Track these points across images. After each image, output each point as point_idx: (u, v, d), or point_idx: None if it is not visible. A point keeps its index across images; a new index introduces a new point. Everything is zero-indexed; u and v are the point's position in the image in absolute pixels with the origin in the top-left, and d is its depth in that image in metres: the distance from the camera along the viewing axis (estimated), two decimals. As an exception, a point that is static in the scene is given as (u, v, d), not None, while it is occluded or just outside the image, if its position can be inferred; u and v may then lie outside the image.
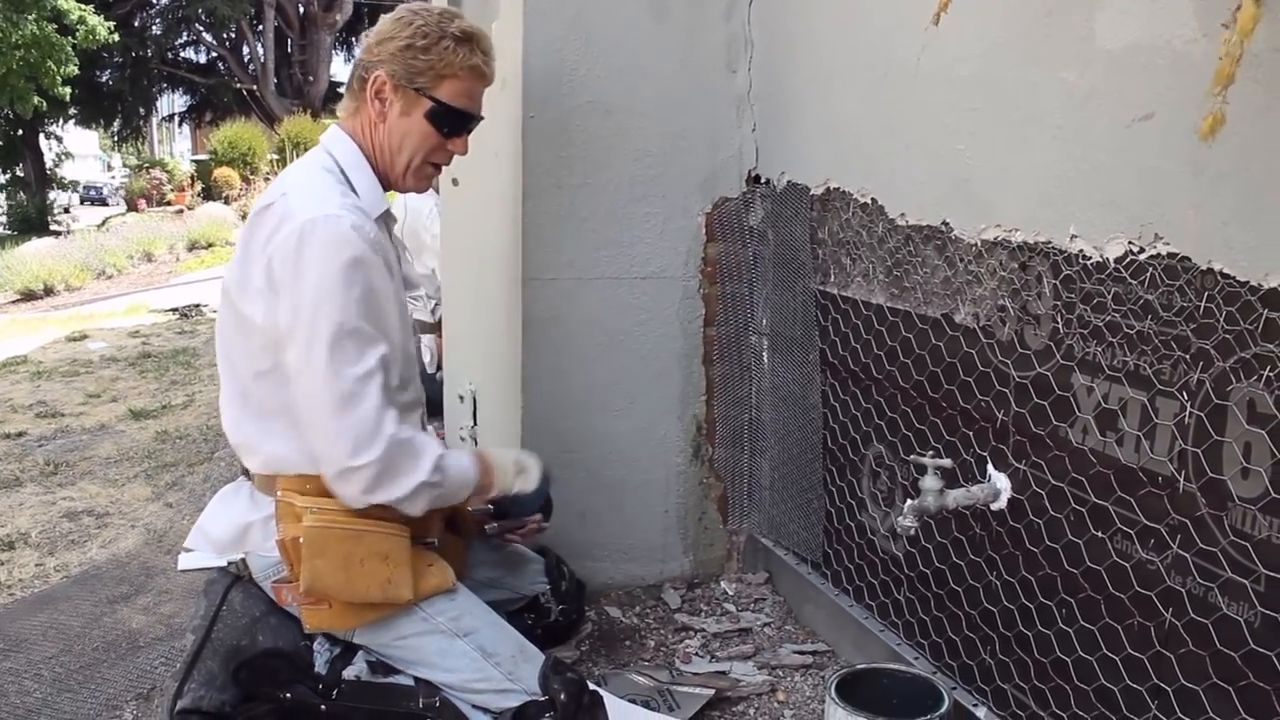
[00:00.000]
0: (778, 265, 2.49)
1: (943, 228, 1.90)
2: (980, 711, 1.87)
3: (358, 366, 1.75)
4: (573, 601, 2.32)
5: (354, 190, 1.88)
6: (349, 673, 1.93)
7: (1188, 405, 1.42)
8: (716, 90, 2.57)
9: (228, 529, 1.99)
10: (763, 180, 2.55)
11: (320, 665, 1.93)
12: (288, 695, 1.94)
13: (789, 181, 2.42)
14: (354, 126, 1.94)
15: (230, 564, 2.05)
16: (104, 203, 31.57)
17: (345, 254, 1.74)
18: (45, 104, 20.20)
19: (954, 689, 1.90)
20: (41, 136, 24.36)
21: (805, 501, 2.45)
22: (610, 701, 2.02)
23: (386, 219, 1.96)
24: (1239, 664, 1.36)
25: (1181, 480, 1.44)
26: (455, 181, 3.06)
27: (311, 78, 26.93)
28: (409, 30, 1.85)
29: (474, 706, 1.89)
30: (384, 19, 1.91)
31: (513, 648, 1.90)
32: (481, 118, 1.97)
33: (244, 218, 17.21)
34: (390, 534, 1.86)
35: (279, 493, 1.88)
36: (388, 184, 1.96)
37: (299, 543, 1.83)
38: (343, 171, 1.90)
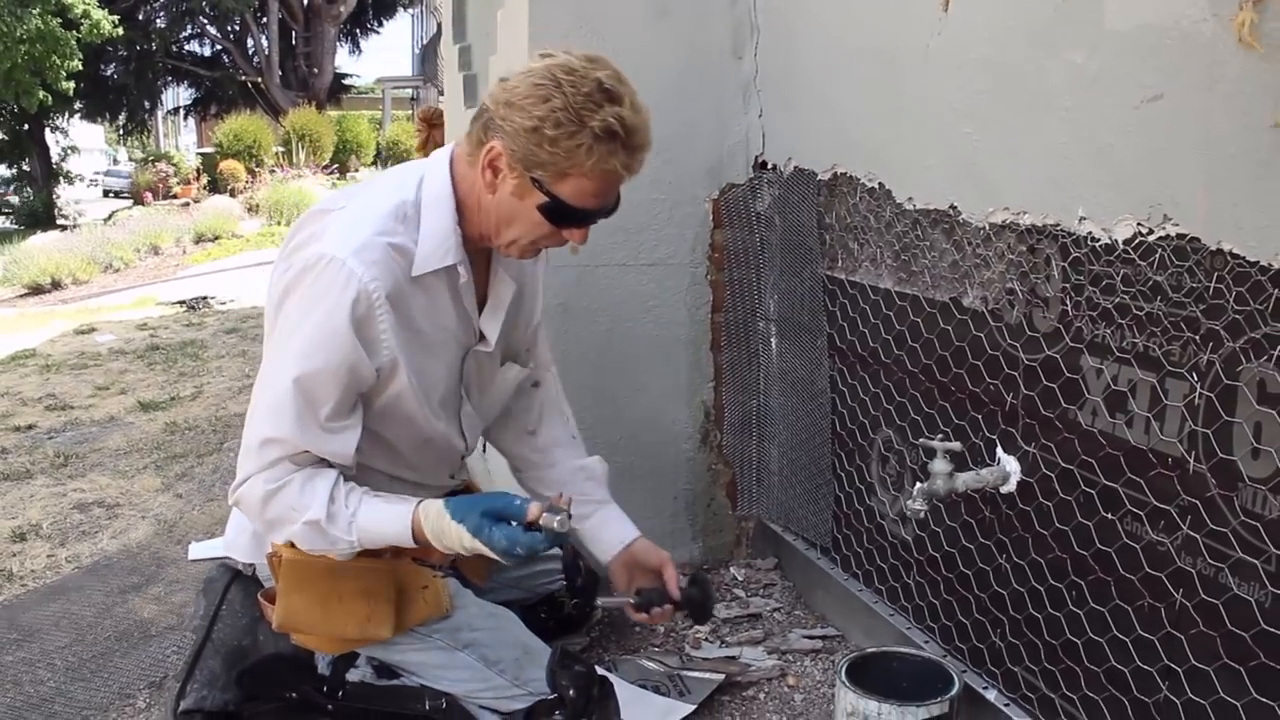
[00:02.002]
0: (785, 251, 2.49)
1: (950, 211, 1.90)
2: (990, 694, 1.87)
3: (277, 428, 1.66)
4: (587, 594, 2.33)
5: (418, 228, 1.69)
6: (353, 675, 1.94)
7: (1197, 386, 1.42)
8: (723, 76, 2.57)
9: (240, 533, 1.98)
10: (769, 166, 2.54)
11: (323, 667, 1.93)
12: (293, 695, 1.95)
13: (796, 167, 2.42)
14: (463, 171, 1.70)
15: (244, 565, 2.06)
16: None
17: (334, 317, 1.60)
18: (50, 98, 20.27)
19: (964, 672, 1.91)
20: (47, 131, 24.41)
21: (814, 486, 2.46)
22: (620, 688, 2.03)
23: (450, 270, 1.73)
24: (1250, 644, 1.36)
25: (1191, 461, 1.44)
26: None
27: (316, 70, 26.97)
28: (543, 109, 1.54)
29: (481, 707, 1.89)
30: (524, 75, 1.58)
31: (516, 650, 1.89)
32: (611, 209, 1.71)
33: (250, 210, 17.30)
34: (373, 568, 1.80)
35: None
36: (483, 240, 1.75)
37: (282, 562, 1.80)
38: (419, 204, 1.71)
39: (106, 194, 30.01)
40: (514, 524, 1.66)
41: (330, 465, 1.72)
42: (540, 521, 1.66)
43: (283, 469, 1.68)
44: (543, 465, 2.12)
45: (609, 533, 2.08)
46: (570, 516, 1.69)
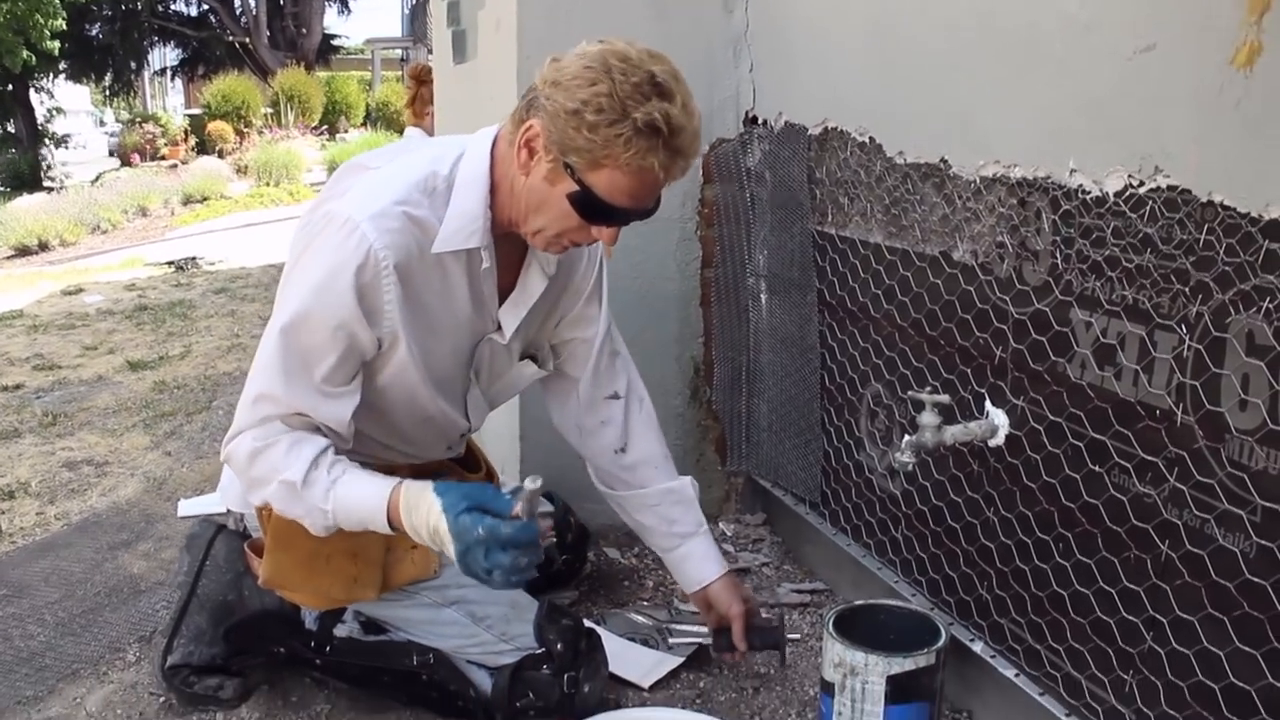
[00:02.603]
0: (775, 206, 2.48)
1: (941, 165, 1.89)
2: (977, 646, 1.89)
3: (268, 383, 1.62)
4: (577, 550, 2.34)
5: (446, 205, 1.63)
6: (340, 631, 1.94)
7: (1186, 338, 1.42)
8: (713, 30, 2.55)
9: (235, 480, 1.97)
10: (760, 121, 2.53)
11: (310, 622, 1.94)
12: (280, 650, 1.96)
13: (786, 122, 2.41)
14: (503, 151, 1.63)
15: (231, 513, 2.06)
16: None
17: (338, 277, 1.56)
18: (34, 58, 20.02)
19: (951, 624, 1.92)
20: (32, 92, 24.15)
21: (803, 442, 2.46)
22: (609, 640, 2.04)
23: (470, 254, 1.67)
24: (1234, 594, 1.37)
25: (1179, 413, 1.44)
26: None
27: (304, 30, 26.67)
28: (588, 93, 1.46)
29: (469, 662, 1.89)
30: (577, 56, 1.52)
31: (504, 606, 1.89)
32: (646, 213, 1.60)
33: (239, 171, 17.18)
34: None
35: None
36: (512, 226, 1.67)
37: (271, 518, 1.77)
38: (451, 181, 1.64)
39: (112, 154, 29.29)
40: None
41: (323, 435, 1.67)
42: (517, 512, 1.57)
43: (273, 428, 1.63)
44: (633, 484, 2.05)
45: (689, 569, 2.04)
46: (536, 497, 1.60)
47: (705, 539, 2.05)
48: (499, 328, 1.80)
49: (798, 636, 2.19)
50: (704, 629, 2.17)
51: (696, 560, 2.03)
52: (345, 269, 1.55)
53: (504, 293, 1.77)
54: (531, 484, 1.54)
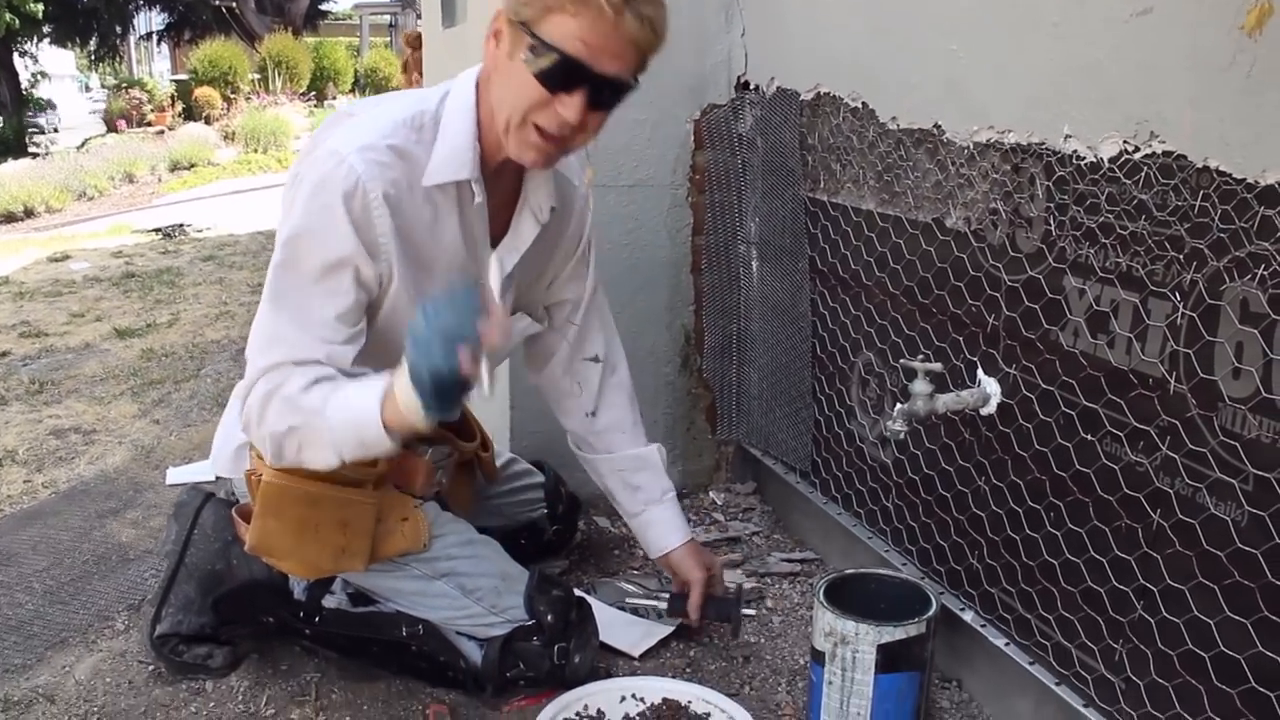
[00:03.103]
0: (767, 173, 2.46)
1: (934, 130, 1.87)
2: (967, 615, 1.89)
3: (273, 326, 1.60)
4: (567, 520, 2.33)
5: (434, 140, 1.62)
6: (329, 602, 1.94)
7: (1180, 306, 1.41)
8: (704, -6, 2.52)
9: (225, 446, 1.96)
10: (752, 86, 2.50)
11: (299, 593, 1.93)
12: (270, 619, 1.95)
13: (778, 87, 2.38)
14: (484, 79, 1.63)
15: (220, 480, 2.05)
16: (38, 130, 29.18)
17: (333, 209, 1.54)
18: (17, 21, 19.82)
19: (942, 593, 1.92)
20: (15, 56, 23.91)
21: (794, 411, 2.45)
22: (599, 610, 2.04)
23: (460, 190, 1.65)
24: (1225, 563, 1.37)
25: (1172, 382, 1.43)
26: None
27: (292, -6, 26.39)
28: None
29: (459, 634, 1.89)
30: None
31: (494, 578, 1.88)
32: (609, 77, 1.51)
33: (226, 138, 17.06)
34: (354, 500, 1.77)
35: None
36: (498, 151, 1.63)
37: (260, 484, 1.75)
38: (439, 117, 1.63)
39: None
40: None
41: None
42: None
43: (283, 371, 1.59)
44: (600, 449, 2.10)
45: (653, 535, 2.09)
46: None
47: (669, 506, 2.09)
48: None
49: (753, 612, 2.18)
50: (740, 586, 2.19)
51: (659, 527, 2.08)
52: (334, 198, 1.54)
53: (497, 240, 1.77)
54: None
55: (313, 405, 1.56)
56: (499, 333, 1.43)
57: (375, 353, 1.70)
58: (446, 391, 1.43)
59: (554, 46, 1.46)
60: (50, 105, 26.22)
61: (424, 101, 1.65)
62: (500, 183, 1.71)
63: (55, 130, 25.00)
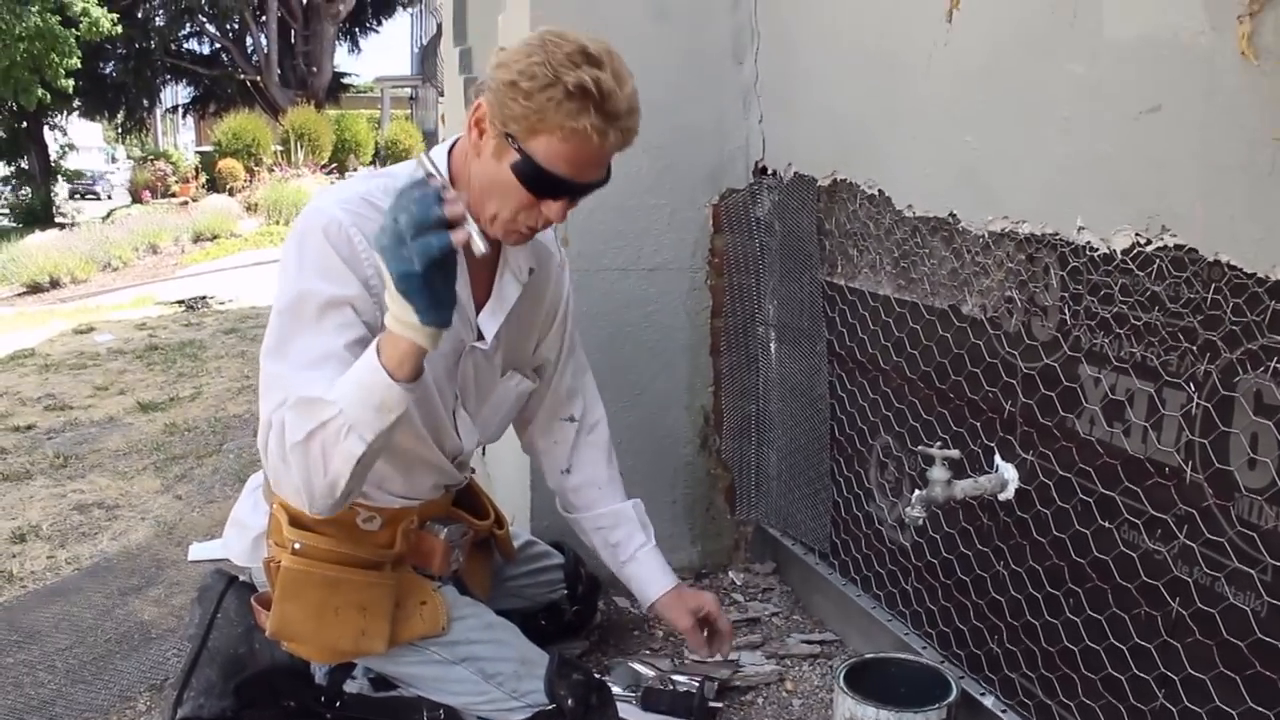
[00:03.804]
0: (784, 256, 2.50)
1: (950, 219, 1.91)
2: (988, 700, 1.88)
3: (282, 361, 1.58)
4: (587, 601, 2.33)
5: None
6: (350, 687, 1.94)
7: (1195, 396, 1.43)
8: (723, 82, 2.58)
9: (241, 538, 1.97)
10: (770, 172, 2.55)
11: (320, 677, 1.94)
12: (291, 703, 1.96)
13: (796, 173, 2.43)
14: (461, 147, 1.70)
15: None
16: (95, 196, 30.45)
17: (321, 250, 1.58)
18: (49, 96, 20.27)
19: (962, 678, 1.92)
20: (45, 129, 24.40)
21: (813, 492, 2.46)
22: (625, 710, 2.03)
23: None
24: (1245, 653, 1.37)
25: (1189, 471, 1.44)
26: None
27: (315, 68, 26.95)
28: (523, 64, 1.52)
29: (480, 719, 1.89)
30: (520, 40, 1.58)
31: (514, 663, 1.88)
32: (591, 185, 1.63)
33: (248, 209, 17.29)
34: (372, 583, 1.81)
35: (274, 505, 1.83)
36: (475, 220, 1.55)
37: (280, 570, 1.78)
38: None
39: (73, 196, 28.39)
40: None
41: None
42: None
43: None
44: (578, 506, 2.15)
45: (636, 590, 2.13)
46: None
47: (647, 558, 2.11)
48: (480, 336, 1.81)
49: (721, 705, 2.15)
50: (705, 679, 2.18)
51: (638, 581, 2.11)
52: (320, 241, 1.59)
53: (481, 304, 1.81)
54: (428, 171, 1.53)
55: (317, 396, 1.51)
56: (459, 203, 1.42)
57: None
58: (435, 284, 1.42)
59: (541, 167, 1.55)
60: (79, 175, 26.66)
61: (399, 169, 1.75)
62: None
63: (110, 196, 25.37)
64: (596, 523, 2.13)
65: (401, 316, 1.45)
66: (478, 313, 1.80)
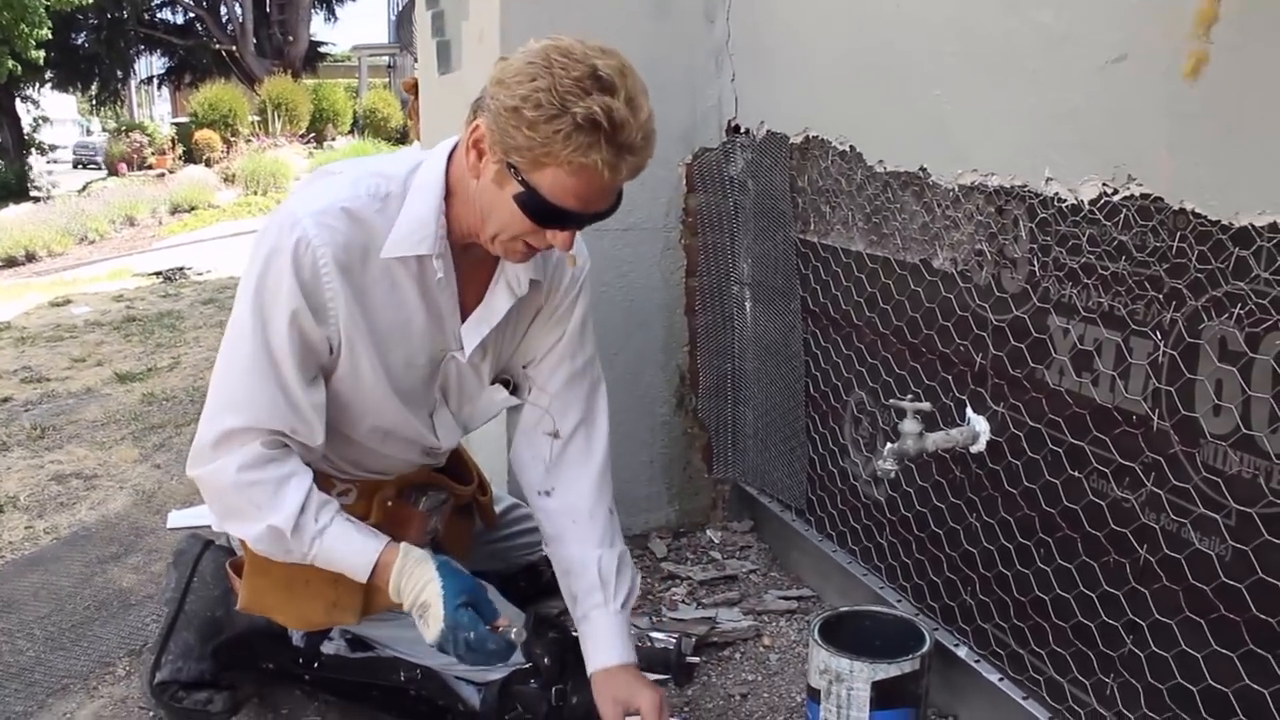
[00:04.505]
0: (758, 215, 2.50)
1: (920, 173, 1.91)
2: (961, 651, 1.90)
3: (235, 393, 1.61)
4: None
5: (399, 211, 1.59)
6: (327, 648, 1.94)
7: (1161, 344, 1.44)
8: (695, 41, 2.56)
9: None
10: (742, 130, 2.54)
11: (297, 639, 1.94)
12: (270, 665, 1.96)
13: (768, 131, 2.42)
14: (459, 157, 1.58)
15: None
16: (97, 166, 30.09)
17: (281, 271, 1.53)
18: (20, 67, 20.02)
19: (935, 630, 1.94)
20: (18, 101, 24.12)
21: (788, 449, 2.47)
22: None
23: (421, 264, 1.62)
24: (1210, 597, 1.39)
25: (1155, 419, 1.46)
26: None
27: (291, 38, 26.68)
28: (527, 89, 1.38)
29: (457, 678, 1.89)
30: (522, 53, 1.43)
31: None
32: (600, 215, 1.51)
33: (226, 180, 17.17)
34: None
35: None
36: (471, 235, 1.61)
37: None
38: (406, 189, 1.61)
39: (77, 165, 29.41)
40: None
41: (300, 456, 1.66)
42: (501, 628, 1.66)
43: (252, 452, 1.60)
44: (553, 538, 1.91)
45: (586, 661, 1.84)
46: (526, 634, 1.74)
47: (597, 622, 1.83)
48: (461, 345, 1.75)
49: (698, 661, 2.16)
50: (681, 635, 2.19)
51: (585, 647, 1.84)
52: (285, 261, 1.53)
53: (469, 309, 1.74)
54: (518, 637, 1.68)
55: (298, 547, 1.65)
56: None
57: (342, 430, 1.73)
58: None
59: (546, 200, 1.44)
60: (54, 148, 26.42)
61: (394, 168, 1.63)
62: (475, 254, 1.66)
63: (98, 166, 25.26)
64: (560, 563, 1.89)
65: (414, 612, 1.67)
66: (464, 320, 1.73)
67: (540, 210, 1.46)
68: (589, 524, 1.88)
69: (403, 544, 1.69)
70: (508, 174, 1.46)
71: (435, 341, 1.71)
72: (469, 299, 1.72)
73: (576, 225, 1.52)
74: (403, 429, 1.78)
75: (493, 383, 1.86)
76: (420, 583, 1.65)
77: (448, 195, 1.60)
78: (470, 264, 1.69)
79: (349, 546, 1.66)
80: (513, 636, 1.67)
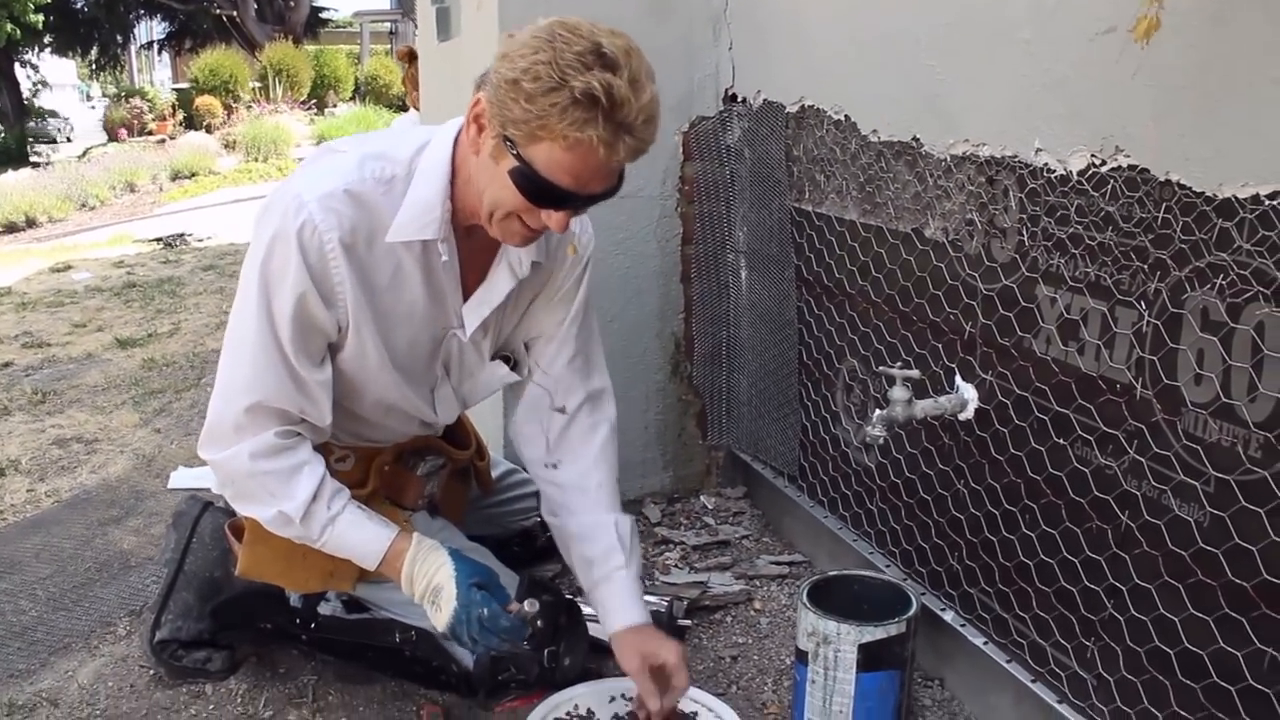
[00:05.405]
0: (754, 183, 2.51)
1: (913, 143, 1.92)
2: (947, 615, 1.93)
3: (245, 376, 1.63)
4: None
5: (404, 194, 1.60)
6: (324, 609, 1.98)
7: (1145, 314, 1.46)
8: (693, 9, 2.57)
9: None
10: (739, 99, 2.55)
11: (295, 600, 1.97)
12: (268, 625, 2.00)
13: (765, 100, 2.43)
14: (464, 138, 1.58)
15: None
16: (50, 140, 29.03)
17: (288, 253, 1.55)
18: (19, 31, 19.90)
19: (923, 594, 1.97)
20: (17, 66, 24.00)
21: (782, 416, 2.50)
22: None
23: (426, 248, 1.63)
24: (1189, 562, 1.41)
25: (1138, 387, 1.48)
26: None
27: (292, 3, 26.46)
28: (528, 61, 1.38)
29: None
30: (533, 27, 1.43)
31: None
32: (597, 196, 1.50)
33: (227, 146, 17.11)
34: None
35: None
36: (473, 217, 1.61)
37: None
38: (412, 171, 1.61)
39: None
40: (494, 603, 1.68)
41: (311, 438, 1.70)
42: (515, 609, 1.70)
43: (266, 441, 1.64)
44: (562, 507, 1.92)
45: (601, 615, 1.88)
46: (540, 613, 1.74)
47: (619, 582, 1.86)
48: (463, 324, 1.76)
49: (689, 624, 2.20)
50: (673, 599, 2.22)
51: (605, 608, 1.87)
52: (291, 246, 1.54)
53: (471, 289, 1.75)
54: (530, 608, 1.72)
55: (308, 533, 1.69)
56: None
57: (345, 405, 1.75)
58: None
59: (541, 176, 1.43)
60: (53, 114, 26.29)
61: (401, 150, 1.62)
62: (479, 235, 1.65)
63: (69, 140, 25.02)
64: (570, 530, 1.91)
65: (425, 599, 1.70)
66: (466, 300, 1.74)
67: (534, 186, 1.45)
68: (599, 492, 1.91)
69: (415, 534, 1.73)
70: (504, 148, 1.44)
71: (437, 321, 1.74)
72: (471, 279, 1.74)
73: (572, 207, 1.51)
74: (404, 404, 1.81)
75: (493, 359, 1.88)
76: (433, 567, 1.69)
77: (453, 177, 1.60)
78: (474, 245, 1.70)
79: (361, 535, 1.70)
80: (525, 609, 1.71)
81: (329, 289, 1.59)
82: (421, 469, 1.97)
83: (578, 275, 1.86)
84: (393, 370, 1.72)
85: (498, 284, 1.75)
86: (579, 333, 1.91)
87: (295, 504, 1.65)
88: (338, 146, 1.69)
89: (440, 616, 1.67)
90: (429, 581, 1.69)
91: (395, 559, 1.71)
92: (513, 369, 1.92)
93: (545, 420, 1.94)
